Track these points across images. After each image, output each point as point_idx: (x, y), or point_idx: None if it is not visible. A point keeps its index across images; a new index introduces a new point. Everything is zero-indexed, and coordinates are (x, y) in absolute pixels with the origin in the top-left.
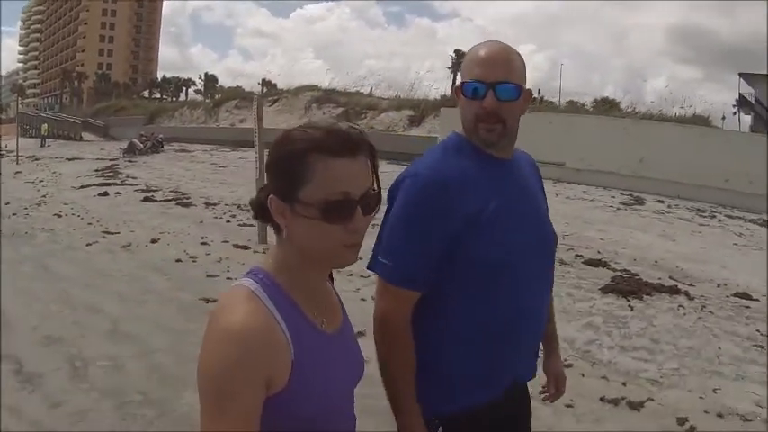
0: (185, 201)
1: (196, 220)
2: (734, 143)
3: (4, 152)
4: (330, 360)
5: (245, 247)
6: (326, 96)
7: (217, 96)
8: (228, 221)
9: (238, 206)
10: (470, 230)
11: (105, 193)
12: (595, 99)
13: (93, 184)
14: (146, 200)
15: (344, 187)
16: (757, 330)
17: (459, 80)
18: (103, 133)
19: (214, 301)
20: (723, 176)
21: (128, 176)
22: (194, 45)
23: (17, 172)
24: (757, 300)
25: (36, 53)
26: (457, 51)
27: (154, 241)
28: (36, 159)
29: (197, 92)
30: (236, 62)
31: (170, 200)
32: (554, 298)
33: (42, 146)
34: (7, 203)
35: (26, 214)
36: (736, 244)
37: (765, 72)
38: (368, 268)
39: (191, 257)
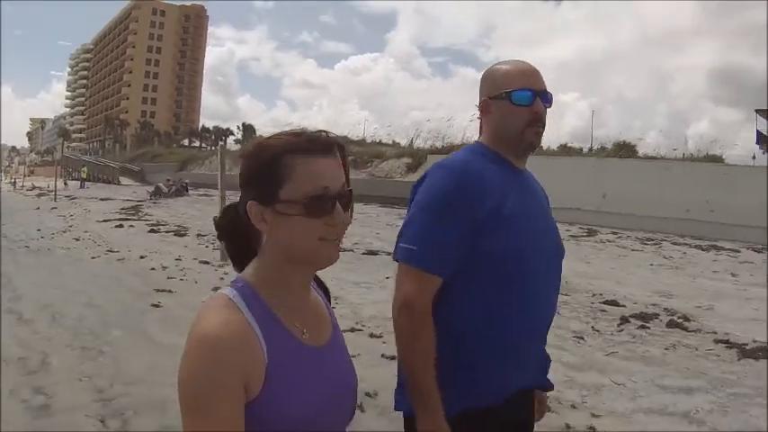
0: (182, 232)
1: (183, 246)
2: (698, 175)
3: (46, 191)
4: (310, 373)
5: (206, 263)
6: None
7: None
8: (207, 246)
9: None
10: (491, 222)
11: (121, 225)
12: (615, 143)
13: (114, 219)
14: (151, 231)
15: (324, 182)
16: (591, 327)
17: (483, 95)
18: (140, 178)
19: (162, 290)
20: (684, 207)
21: (146, 214)
22: (242, 95)
23: (53, 207)
24: (624, 306)
25: (83, 98)
26: None
27: (142, 257)
28: (72, 198)
29: (236, 141)
30: (282, 112)
31: (171, 231)
32: None
33: (81, 187)
34: (38, 230)
35: (51, 237)
36: (652, 264)
37: None
38: (393, 258)
39: (163, 267)
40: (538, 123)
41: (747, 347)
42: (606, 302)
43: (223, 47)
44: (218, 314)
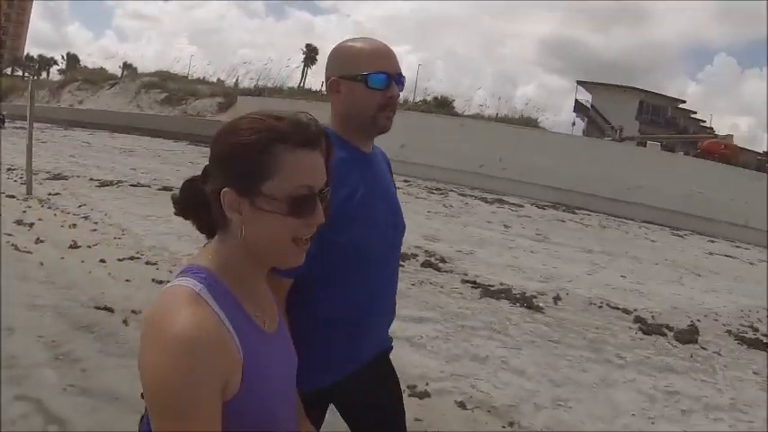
0: None
1: None
2: (495, 134)
3: None
4: (272, 360)
5: (13, 197)
6: (158, 82)
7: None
8: (15, 181)
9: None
10: (339, 217)
11: None
12: (435, 97)
13: None
14: None
15: (309, 180)
16: None
17: (333, 73)
18: None
19: None
20: (479, 162)
21: None
22: (72, 23)
23: None
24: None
25: None
26: (308, 45)
27: None
28: None
29: (60, 71)
30: (111, 43)
31: None
32: None
33: None
34: None
35: None
36: (429, 212)
37: (600, 82)
38: None
39: None
40: (391, 108)
41: (492, 288)
42: None
43: None
44: (189, 312)
